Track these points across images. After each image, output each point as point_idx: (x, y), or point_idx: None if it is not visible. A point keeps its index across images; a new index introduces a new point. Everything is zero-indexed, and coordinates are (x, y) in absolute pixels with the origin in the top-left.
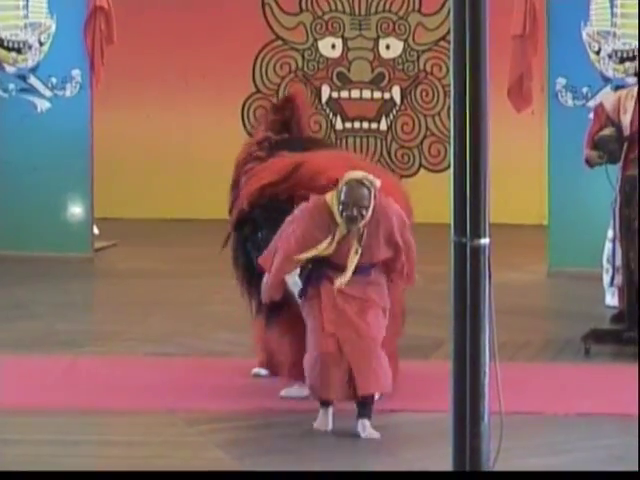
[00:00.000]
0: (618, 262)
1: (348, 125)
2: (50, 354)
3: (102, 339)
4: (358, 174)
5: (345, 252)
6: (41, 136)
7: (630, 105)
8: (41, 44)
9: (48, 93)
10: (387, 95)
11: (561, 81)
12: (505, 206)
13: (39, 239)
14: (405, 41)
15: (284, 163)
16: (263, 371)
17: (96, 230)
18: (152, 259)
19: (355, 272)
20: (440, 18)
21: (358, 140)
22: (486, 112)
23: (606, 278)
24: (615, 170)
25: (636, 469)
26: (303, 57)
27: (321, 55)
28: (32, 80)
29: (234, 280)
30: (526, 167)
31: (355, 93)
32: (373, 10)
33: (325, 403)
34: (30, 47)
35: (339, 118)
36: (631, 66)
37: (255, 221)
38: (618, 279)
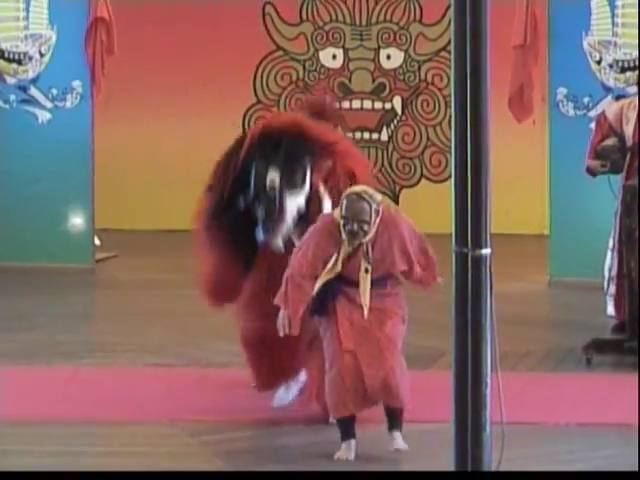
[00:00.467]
0: (614, 272)
1: (349, 135)
2: (51, 365)
3: (103, 350)
4: (357, 188)
5: (356, 268)
6: (42, 147)
7: (632, 115)
8: (42, 55)
9: (49, 104)
10: (388, 105)
11: (562, 91)
12: (506, 216)
13: (40, 250)
14: (406, 51)
15: None
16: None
17: (97, 241)
18: (153, 270)
19: (371, 286)
20: (441, 28)
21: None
22: (487, 122)
23: (607, 288)
24: (617, 180)
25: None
26: (304, 67)
27: (322, 65)
28: (33, 91)
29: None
30: (527, 177)
31: (356, 103)
32: (374, 20)
33: (347, 435)
34: (31, 58)
35: (340, 129)
36: (632, 76)
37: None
38: (612, 288)
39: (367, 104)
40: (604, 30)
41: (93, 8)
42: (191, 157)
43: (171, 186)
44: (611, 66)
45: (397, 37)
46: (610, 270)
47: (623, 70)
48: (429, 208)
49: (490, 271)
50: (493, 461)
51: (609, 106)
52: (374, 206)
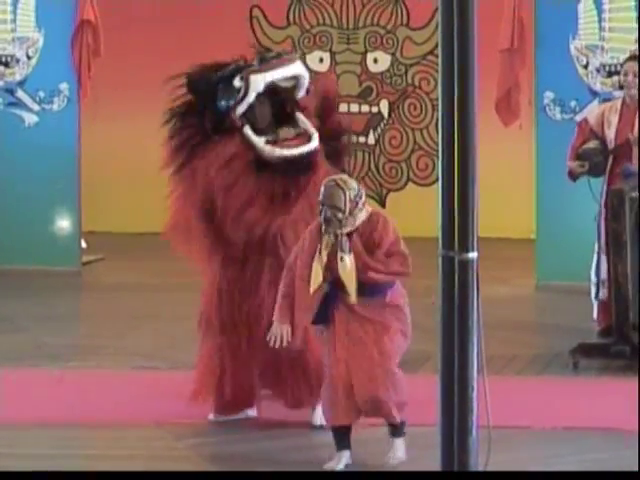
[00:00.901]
0: (603, 275)
1: None
2: (37, 368)
3: (89, 353)
4: (336, 176)
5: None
6: (29, 150)
7: (614, 119)
8: (29, 58)
9: (36, 107)
10: (375, 109)
11: (549, 95)
12: (493, 220)
13: (27, 252)
14: (393, 55)
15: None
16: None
17: (83, 244)
18: (139, 273)
19: (371, 294)
20: (428, 32)
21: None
22: (474, 126)
23: (594, 292)
24: (598, 184)
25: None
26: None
27: (309, 69)
28: (20, 94)
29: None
30: (514, 181)
31: (343, 107)
32: (361, 24)
33: (340, 445)
34: (18, 61)
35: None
36: (619, 80)
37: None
38: (603, 292)
39: (354, 107)
40: (591, 34)
41: (80, 10)
42: None
43: (158, 189)
44: (598, 70)
45: (384, 41)
46: (598, 274)
47: (610, 74)
48: (416, 212)
49: (477, 275)
50: (479, 465)
51: (590, 110)
52: (349, 194)
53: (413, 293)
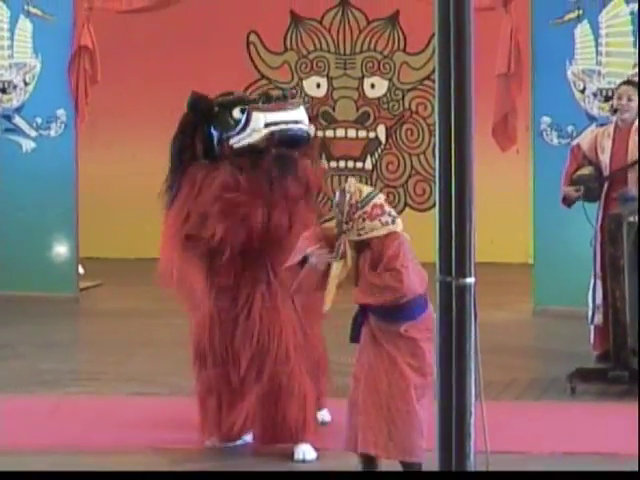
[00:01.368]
0: (599, 300)
1: (333, 164)
2: (35, 394)
3: (87, 379)
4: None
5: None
6: (26, 176)
7: (607, 143)
8: (26, 84)
9: (33, 133)
10: (372, 134)
11: (546, 120)
12: (490, 245)
13: (24, 278)
14: (390, 80)
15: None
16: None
17: (81, 270)
18: (137, 298)
19: (383, 320)
20: (425, 57)
21: (343, 179)
22: (471, 151)
23: (590, 316)
24: (593, 208)
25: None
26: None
27: (306, 94)
28: (17, 120)
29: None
30: (511, 206)
31: (340, 132)
32: (358, 49)
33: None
34: (15, 87)
35: (324, 157)
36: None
37: None
38: (598, 317)
39: (351, 133)
40: (588, 59)
41: (77, 37)
42: None
43: (155, 214)
44: (595, 95)
45: (381, 66)
46: (594, 299)
47: (607, 99)
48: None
49: (474, 300)
50: None
51: (583, 136)
52: (348, 197)
53: None
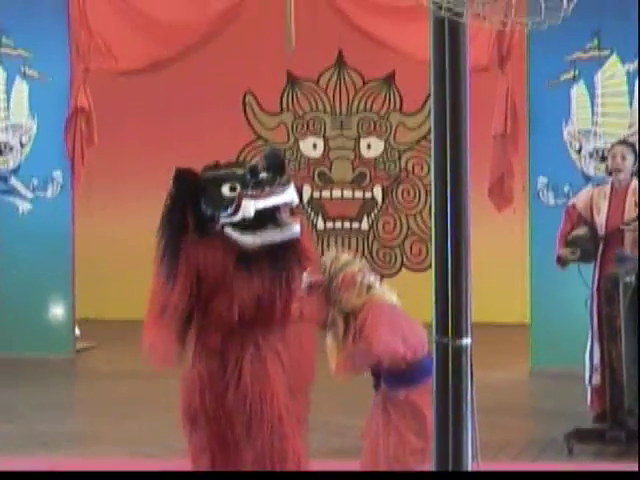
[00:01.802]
0: (596, 361)
1: (329, 225)
2: (30, 456)
3: (83, 440)
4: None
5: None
6: (22, 237)
7: (603, 204)
8: (22, 145)
9: (29, 194)
10: (368, 194)
11: (542, 180)
12: (487, 305)
13: (20, 340)
14: (386, 140)
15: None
16: None
17: (77, 331)
18: (134, 360)
19: (387, 381)
20: (421, 118)
21: (340, 240)
22: (467, 211)
23: (587, 377)
24: (589, 269)
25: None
26: (284, 157)
27: (302, 155)
28: (13, 181)
29: None
30: (508, 266)
31: (336, 193)
32: (354, 110)
33: None
34: (11, 149)
35: (320, 218)
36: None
37: None
38: (596, 378)
39: (347, 193)
40: (584, 119)
41: (73, 98)
42: None
43: (151, 276)
44: (591, 155)
45: (377, 126)
46: (592, 360)
47: (603, 159)
48: (410, 297)
49: (471, 361)
50: None
51: (578, 196)
52: (325, 264)
53: None
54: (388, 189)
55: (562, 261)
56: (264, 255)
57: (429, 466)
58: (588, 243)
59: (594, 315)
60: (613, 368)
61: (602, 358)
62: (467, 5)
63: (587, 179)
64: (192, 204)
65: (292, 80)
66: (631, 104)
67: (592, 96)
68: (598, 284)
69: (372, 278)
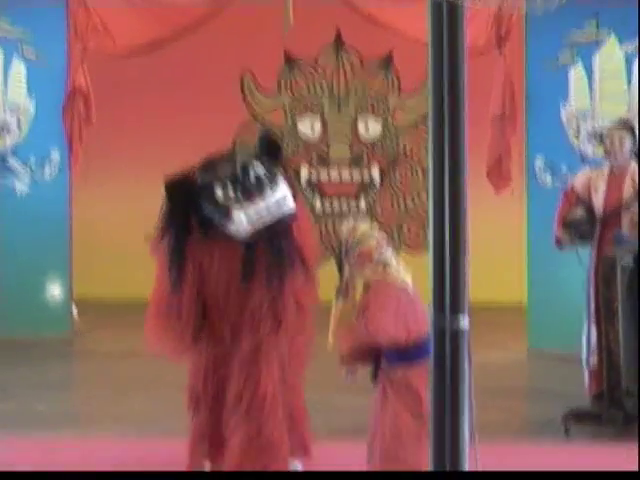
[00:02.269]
0: (593, 343)
1: (327, 205)
2: (27, 435)
3: (80, 420)
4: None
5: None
6: (20, 217)
7: (601, 185)
8: (20, 126)
9: (27, 174)
10: (366, 176)
11: (540, 161)
12: (485, 287)
13: (18, 320)
14: (384, 122)
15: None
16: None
17: (74, 311)
18: (131, 340)
19: (387, 357)
20: (419, 99)
21: (338, 221)
22: (465, 192)
23: (584, 359)
24: (585, 251)
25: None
26: (282, 138)
27: (300, 136)
28: (11, 162)
29: None
30: (505, 247)
31: (334, 174)
32: (352, 91)
33: None
34: (9, 129)
35: (318, 199)
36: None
37: None
38: (593, 360)
39: (345, 175)
40: (582, 101)
41: (71, 78)
42: None
43: (149, 256)
44: (589, 136)
45: (375, 108)
46: (589, 342)
47: (601, 140)
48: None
49: (468, 341)
50: None
51: (577, 177)
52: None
53: None
54: (386, 170)
55: (560, 243)
56: (265, 247)
57: (425, 446)
58: (586, 225)
59: (591, 297)
60: (610, 350)
61: (599, 340)
62: None
63: (585, 160)
64: (192, 208)
65: (290, 61)
66: (629, 86)
67: (590, 77)
68: (596, 266)
69: (389, 254)
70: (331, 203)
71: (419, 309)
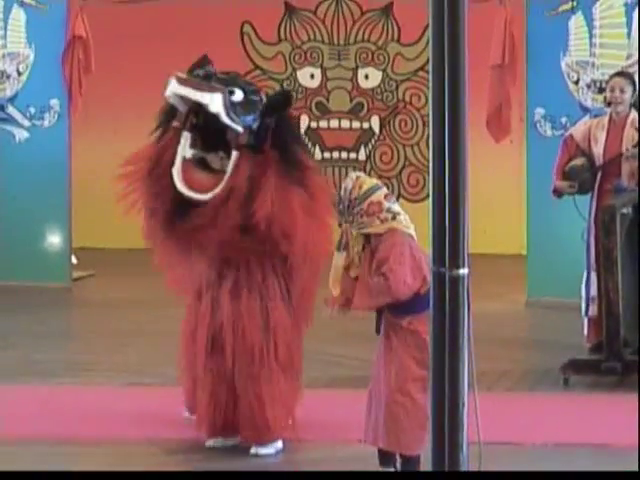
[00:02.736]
0: (593, 292)
1: (327, 155)
2: (27, 384)
3: (80, 369)
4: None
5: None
6: (19, 166)
7: (601, 135)
8: (19, 74)
9: (26, 123)
10: (366, 125)
11: (540, 111)
12: (484, 236)
13: (17, 268)
14: (384, 71)
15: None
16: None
17: (74, 260)
18: (130, 289)
19: (390, 313)
20: (419, 48)
21: (337, 170)
22: (465, 142)
23: (583, 308)
24: (585, 200)
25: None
26: (282, 87)
27: (300, 85)
28: (10, 110)
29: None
30: (505, 197)
31: (334, 123)
32: (352, 40)
33: (381, 464)
34: (9, 77)
35: (318, 148)
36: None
37: None
38: (592, 309)
39: (345, 123)
40: (582, 50)
41: (71, 26)
42: None
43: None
44: (589, 86)
45: (375, 57)
46: (588, 291)
47: (601, 90)
48: None
49: (468, 291)
50: None
51: (576, 127)
52: (348, 191)
53: None
54: (386, 119)
55: (558, 193)
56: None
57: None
58: (585, 174)
59: (591, 246)
60: (609, 299)
61: (598, 289)
62: None
63: (585, 110)
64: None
65: (290, 10)
66: (629, 35)
67: (590, 27)
68: (595, 215)
69: (396, 206)
70: (331, 154)
71: (425, 259)
